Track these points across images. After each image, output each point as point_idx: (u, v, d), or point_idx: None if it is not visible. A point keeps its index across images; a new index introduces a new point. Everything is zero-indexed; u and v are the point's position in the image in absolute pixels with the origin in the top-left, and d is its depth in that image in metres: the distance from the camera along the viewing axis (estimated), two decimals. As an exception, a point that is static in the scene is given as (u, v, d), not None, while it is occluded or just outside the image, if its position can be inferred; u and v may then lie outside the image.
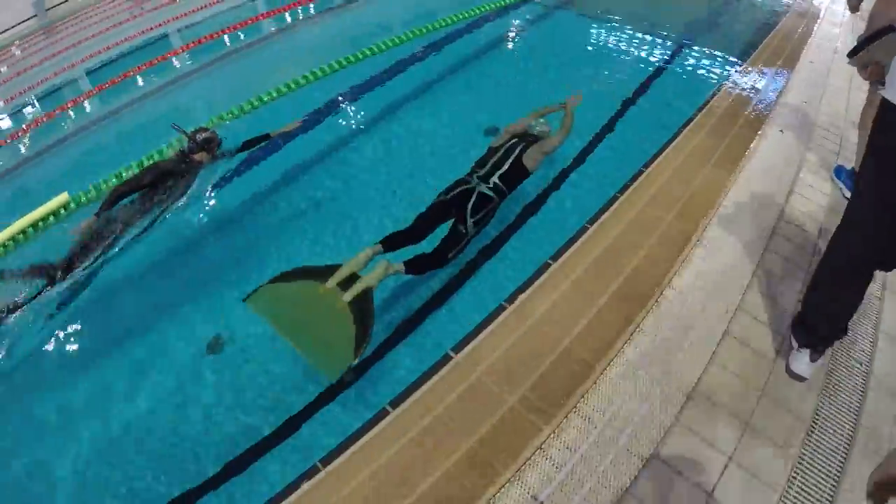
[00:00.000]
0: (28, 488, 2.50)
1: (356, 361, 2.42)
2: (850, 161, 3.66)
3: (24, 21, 10.56)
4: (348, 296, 2.61)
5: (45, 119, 6.12)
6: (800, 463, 2.11)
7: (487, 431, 2.20)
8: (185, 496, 2.36)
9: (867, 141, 2.10)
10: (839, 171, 3.61)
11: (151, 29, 8.23)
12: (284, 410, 2.62)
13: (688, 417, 2.23)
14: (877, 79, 2.35)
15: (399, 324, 3.00)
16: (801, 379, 2.37)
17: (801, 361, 2.36)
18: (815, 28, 5.83)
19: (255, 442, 2.51)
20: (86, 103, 6.33)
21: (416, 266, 2.93)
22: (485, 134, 4.26)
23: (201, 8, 8.74)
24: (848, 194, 3.40)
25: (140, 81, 6.42)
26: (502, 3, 6.83)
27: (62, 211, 4.12)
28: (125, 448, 2.60)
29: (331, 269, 2.73)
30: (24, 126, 6.11)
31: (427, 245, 3.08)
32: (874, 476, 1.21)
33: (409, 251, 3.00)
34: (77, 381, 2.95)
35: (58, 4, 10.95)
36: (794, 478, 2.06)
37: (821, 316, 2.31)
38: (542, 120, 3.68)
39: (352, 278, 2.71)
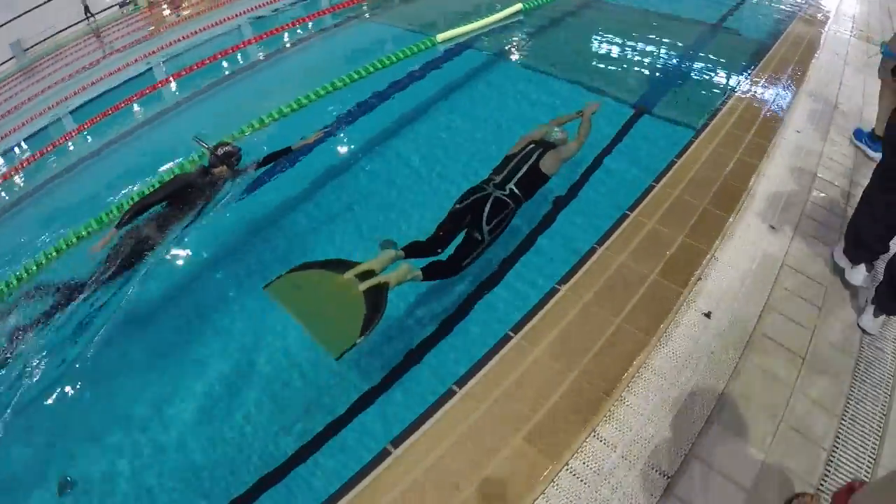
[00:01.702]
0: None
1: (361, 339, 2.46)
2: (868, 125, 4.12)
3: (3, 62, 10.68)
4: (364, 286, 2.67)
5: (35, 157, 6.27)
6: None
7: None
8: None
9: None
10: (858, 134, 4.07)
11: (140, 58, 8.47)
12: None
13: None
14: None
15: (401, 358, 2.97)
16: (863, 288, 2.87)
17: (859, 275, 2.88)
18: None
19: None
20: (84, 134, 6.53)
21: (433, 273, 2.94)
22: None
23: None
24: (871, 154, 3.94)
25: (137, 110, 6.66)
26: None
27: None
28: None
29: (350, 264, 2.81)
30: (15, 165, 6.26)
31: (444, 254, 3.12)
32: None
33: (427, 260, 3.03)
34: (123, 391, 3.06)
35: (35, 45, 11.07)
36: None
37: (870, 238, 2.81)
38: (557, 128, 3.72)
39: (369, 273, 2.76)
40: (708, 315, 2.72)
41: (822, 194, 3.61)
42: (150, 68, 8.21)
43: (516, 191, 3.24)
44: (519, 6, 7.42)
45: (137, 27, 12.00)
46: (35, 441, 2.92)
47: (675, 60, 6.07)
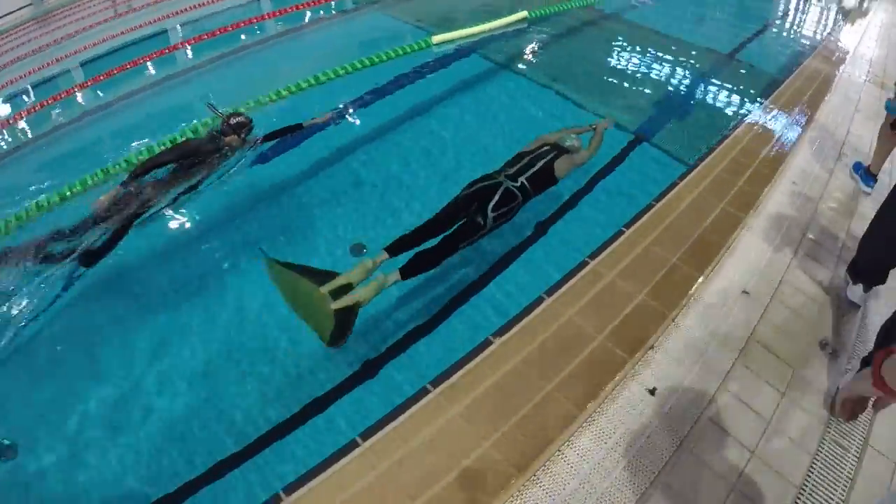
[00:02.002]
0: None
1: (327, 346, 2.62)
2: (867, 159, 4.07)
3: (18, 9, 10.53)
4: (337, 304, 2.63)
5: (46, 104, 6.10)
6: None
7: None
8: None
9: None
10: (857, 167, 4.06)
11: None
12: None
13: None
14: None
15: (311, 399, 2.72)
16: (856, 306, 2.98)
17: (856, 293, 2.96)
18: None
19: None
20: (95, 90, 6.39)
21: (416, 266, 2.88)
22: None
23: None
24: (863, 188, 3.95)
25: (151, 70, 6.56)
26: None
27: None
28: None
29: (329, 275, 2.77)
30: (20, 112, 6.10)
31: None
32: (839, 396, 1.52)
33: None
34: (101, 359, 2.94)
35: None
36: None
37: (870, 263, 2.91)
38: (573, 136, 3.79)
39: (346, 288, 2.71)
40: (652, 392, 2.44)
41: (811, 259, 3.30)
42: (166, 31, 8.06)
43: (527, 185, 3.26)
44: (524, 14, 7.10)
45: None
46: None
47: (680, 89, 5.72)
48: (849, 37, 7.05)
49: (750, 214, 3.44)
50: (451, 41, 6.43)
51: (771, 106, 4.90)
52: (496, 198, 3.08)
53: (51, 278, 3.27)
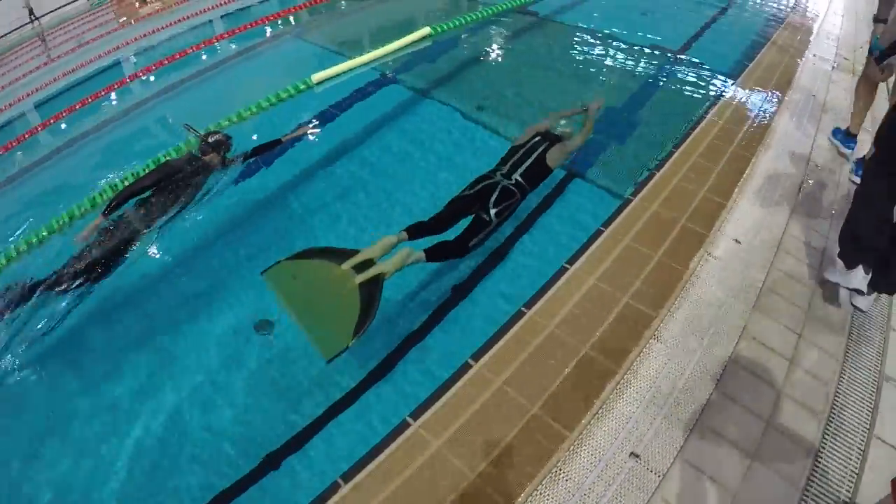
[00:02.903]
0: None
1: (351, 344, 2.41)
2: (844, 123, 4.03)
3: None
4: (361, 278, 2.64)
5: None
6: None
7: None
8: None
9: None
10: (835, 132, 4.05)
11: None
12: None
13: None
14: None
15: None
16: (861, 292, 2.65)
17: (857, 276, 2.60)
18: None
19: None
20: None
21: (438, 253, 2.95)
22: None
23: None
24: (843, 150, 3.91)
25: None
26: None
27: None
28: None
29: (349, 253, 2.78)
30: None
31: (450, 234, 3.11)
32: None
33: (432, 240, 3.02)
34: (110, 379, 2.92)
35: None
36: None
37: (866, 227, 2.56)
38: (563, 121, 3.83)
39: (368, 263, 2.74)
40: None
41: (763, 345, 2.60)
42: (120, 62, 7.99)
43: (522, 181, 3.31)
44: (427, 31, 6.43)
45: (107, 20, 11.67)
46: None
47: (620, 104, 4.95)
48: (812, 12, 6.42)
49: (660, 315, 2.75)
50: (333, 77, 5.78)
51: (719, 113, 4.35)
52: (495, 195, 3.15)
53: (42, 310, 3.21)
